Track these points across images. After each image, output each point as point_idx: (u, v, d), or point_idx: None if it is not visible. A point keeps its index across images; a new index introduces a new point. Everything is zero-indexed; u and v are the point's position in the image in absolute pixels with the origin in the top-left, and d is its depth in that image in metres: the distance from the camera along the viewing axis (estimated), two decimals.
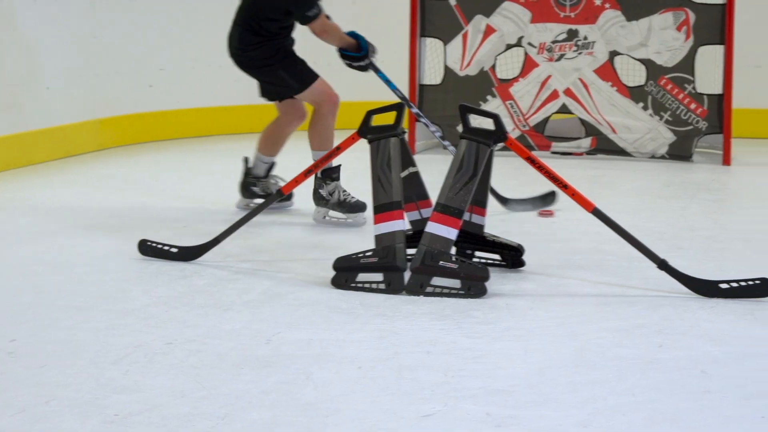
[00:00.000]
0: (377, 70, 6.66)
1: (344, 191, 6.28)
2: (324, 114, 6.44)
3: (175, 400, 3.57)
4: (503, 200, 6.41)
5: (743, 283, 4.73)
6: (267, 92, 6.61)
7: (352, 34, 6.56)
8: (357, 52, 6.58)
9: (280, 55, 6.45)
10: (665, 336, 4.26)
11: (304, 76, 6.50)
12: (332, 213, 6.30)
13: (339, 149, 5.22)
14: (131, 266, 5.30)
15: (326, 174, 6.26)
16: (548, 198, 6.37)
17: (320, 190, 6.27)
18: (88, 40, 8.79)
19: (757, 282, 4.72)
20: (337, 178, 6.29)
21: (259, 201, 6.31)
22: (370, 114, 5.10)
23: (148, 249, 5.37)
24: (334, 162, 6.17)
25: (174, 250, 5.35)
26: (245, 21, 6.43)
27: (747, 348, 4.12)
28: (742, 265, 5.28)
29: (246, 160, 6.75)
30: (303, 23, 6.37)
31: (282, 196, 5.37)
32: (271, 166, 6.74)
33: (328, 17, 6.46)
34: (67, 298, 4.77)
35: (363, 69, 6.66)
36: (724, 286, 4.73)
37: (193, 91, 9.71)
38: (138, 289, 4.92)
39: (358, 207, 6.28)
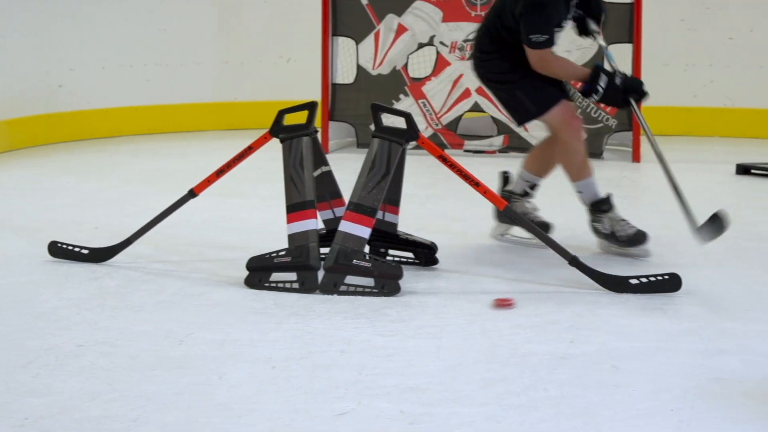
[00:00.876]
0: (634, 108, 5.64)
1: (621, 220, 5.55)
2: (565, 141, 5.55)
3: (85, 402, 3.54)
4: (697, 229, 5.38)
5: (653, 279, 4.79)
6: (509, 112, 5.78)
7: (597, 66, 5.51)
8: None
9: (519, 72, 5.52)
10: (576, 332, 4.31)
11: (542, 98, 5.51)
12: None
13: (251, 149, 5.19)
14: (41, 268, 5.23)
15: (596, 208, 5.55)
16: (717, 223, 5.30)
17: (596, 224, 5.56)
18: None
19: (666, 277, 4.78)
20: (608, 210, 5.54)
21: (518, 232, 5.69)
22: (282, 113, 5.09)
23: (58, 250, 5.31)
24: (600, 192, 5.57)
25: (85, 251, 5.30)
26: (488, 24, 5.63)
27: (657, 343, 4.17)
28: (651, 261, 5.35)
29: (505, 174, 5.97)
30: (528, 45, 5.39)
31: (194, 196, 5.32)
32: (533, 186, 5.82)
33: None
34: None
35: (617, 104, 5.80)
36: (634, 281, 4.79)
37: (104, 92, 9.62)
38: (48, 291, 4.87)
39: (637, 239, 5.49)
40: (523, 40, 5.38)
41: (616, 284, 4.80)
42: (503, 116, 8.67)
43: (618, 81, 5.38)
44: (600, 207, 5.53)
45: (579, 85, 5.49)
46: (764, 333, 4.32)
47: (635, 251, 5.48)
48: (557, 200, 6.16)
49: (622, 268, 5.02)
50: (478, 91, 8.74)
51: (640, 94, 5.50)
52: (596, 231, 5.57)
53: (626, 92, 5.41)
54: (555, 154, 5.67)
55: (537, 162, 5.81)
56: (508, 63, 5.53)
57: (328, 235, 5.04)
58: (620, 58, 8.37)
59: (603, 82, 5.35)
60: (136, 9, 9.80)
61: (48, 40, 9.17)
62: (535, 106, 5.51)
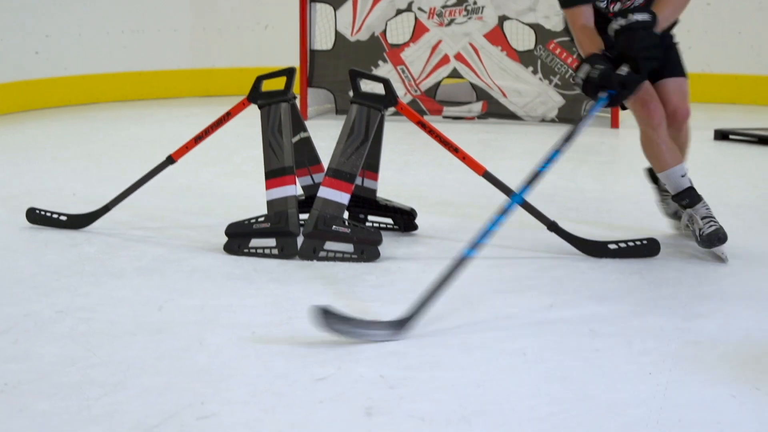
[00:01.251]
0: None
1: (704, 218, 4.91)
2: (643, 132, 5.01)
3: (65, 368, 3.54)
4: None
5: (631, 244, 4.81)
6: None
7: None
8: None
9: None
10: (555, 296, 4.32)
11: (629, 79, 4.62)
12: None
13: (229, 115, 5.18)
14: (19, 235, 5.22)
15: (678, 200, 5.00)
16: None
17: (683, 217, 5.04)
18: None
19: (645, 242, 4.80)
20: (690, 204, 4.95)
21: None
22: (260, 79, 5.08)
23: (36, 217, 5.30)
24: (685, 182, 4.99)
25: (63, 218, 5.29)
26: None
27: (634, 307, 4.19)
28: (630, 226, 5.37)
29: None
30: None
31: (172, 163, 5.31)
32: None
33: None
34: None
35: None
36: (612, 246, 4.81)
37: (81, 58, 9.57)
38: (27, 257, 4.86)
39: (715, 237, 4.81)
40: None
41: (595, 249, 4.82)
42: (482, 82, 8.67)
43: (595, 75, 4.59)
44: (680, 202, 4.98)
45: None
46: (741, 297, 4.34)
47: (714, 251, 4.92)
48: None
49: (601, 233, 5.03)
50: (457, 57, 8.73)
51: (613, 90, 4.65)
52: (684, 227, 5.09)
53: (599, 87, 4.62)
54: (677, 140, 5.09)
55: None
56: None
57: (307, 201, 5.05)
58: None
59: (583, 72, 4.65)
60: None
61: (23, 5, 9.11)
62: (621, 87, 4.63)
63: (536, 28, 8.56)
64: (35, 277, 4.56)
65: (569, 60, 8.50)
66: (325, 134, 6.17)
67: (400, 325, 3.87)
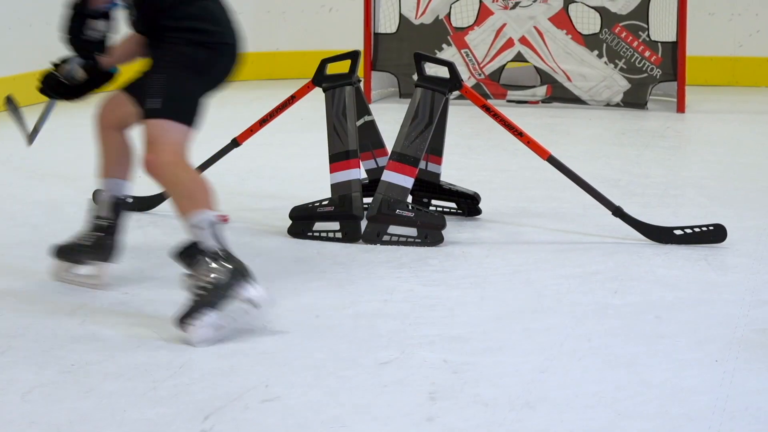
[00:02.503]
0: None
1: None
2: None
3: (131, 349, 3.57)
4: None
5: (697, 230, 4.77)
6: None
7: None
8: None
9: None
10: (620, 282, 4.30)
11: None
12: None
13: (293, 98, 5.20)
14: (85, 214, 5.27)
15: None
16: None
17: None
18: None
19: (711, 228, 4.76)
20: None
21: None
22: (324, 62, 5.09)
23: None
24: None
25: (129, 200, 5.31)
26: None
27: (700, 294, 4.16)
28: (696, 212, 5.33)
29: None
30: None
31: (237, 146, 5.33)
32: None
33: None
34: (23, 248, 4.75)
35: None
36: (678, 232, 4.78)
37: None
38: None
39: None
40: None
41: (661, 235, 4.79)
42: (546, 66, 8.63)
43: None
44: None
45: None
46: None
47: None
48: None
49: (667, 219, 4.99)
50: (521, 40, 8.69)
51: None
52: None
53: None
54: None
55: None
56: None
57: (371, 184, 5.05)
58: (667, 6, 8.33)
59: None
60: None
61: None
62: None
63: (602, 11, 8.50)
64: None
65: (635, 44, 8.44)
66: (389, 118, 6.17)
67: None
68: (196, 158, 5.34)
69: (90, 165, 6.41)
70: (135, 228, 5.03)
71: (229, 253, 3.71)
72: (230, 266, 3.67)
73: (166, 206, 5.28)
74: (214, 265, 3.67)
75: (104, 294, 4.11)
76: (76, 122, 7.92)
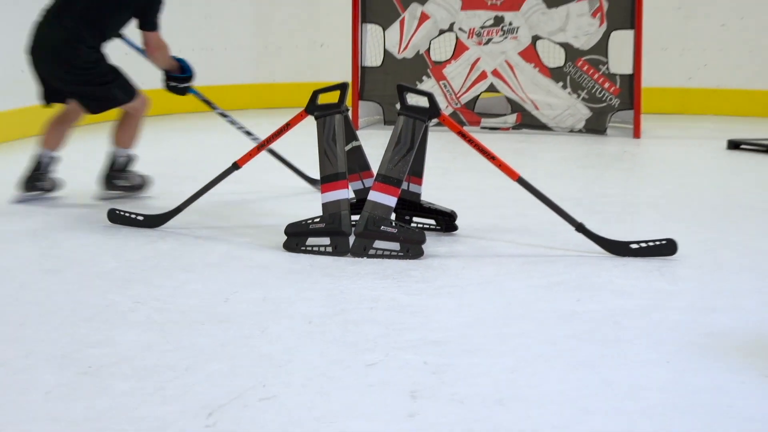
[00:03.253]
0: (196, 93, 6.44)
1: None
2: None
3: (142, 353, 3.57)
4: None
5: (651, 244, 4.78)
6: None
7: (177, 59, 6.25)
8: (181, 74, 6.28)
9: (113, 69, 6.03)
10: (582, 291, 4.31)
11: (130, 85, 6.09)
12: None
13: (288, 126, 5.20)
14: (101, 233, 5.26)
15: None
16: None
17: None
18: None
19: (663, 242, 4.78)
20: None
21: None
22: (316, 93, 5.09)
23: (116, 217, 5.34)
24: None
25: (140, 217, 5.33)
26: (78, 25, 5.83)
27: (654, 301, 4.17)
28: (650, 228, 5.34)
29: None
30: (149, 28, 5.98)
31: (237, 168, 5.33)
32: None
33: None
34: (43, 262, 4.74)
35: (182, 92, 6.37)
36: (634, 246, 4.79)
37: (158, 74, 9.60)
38: (108, 253, 4.90)
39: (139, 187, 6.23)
40: (146, 26, 5.96)
41: (618, 248, 4.80)
42: (516, 96, 8.65)
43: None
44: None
45: None
46: (753, 292, 4.31)
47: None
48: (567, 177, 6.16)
49: (624, 234, 5.01)
50: (494, 73, 8.72)
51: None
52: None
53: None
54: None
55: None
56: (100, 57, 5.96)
57: (358, 203, 5.05)
58: (624, 42, 8.37)
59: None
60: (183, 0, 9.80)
61: None
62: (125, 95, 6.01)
63: (566, 46, 8.53)
64: (115, 270, 4.60)
65: (596, 76, 8.47)
66: (375, 143, 6.18)
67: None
68: (201, 180, 5.36)
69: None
70: (146, 243, 5.04)
71: None
72: None
73: (172, 223, 5.28)
74: None
75: (117, 302, 4.11)
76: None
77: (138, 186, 6.11)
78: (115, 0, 5.90)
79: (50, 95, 5.97)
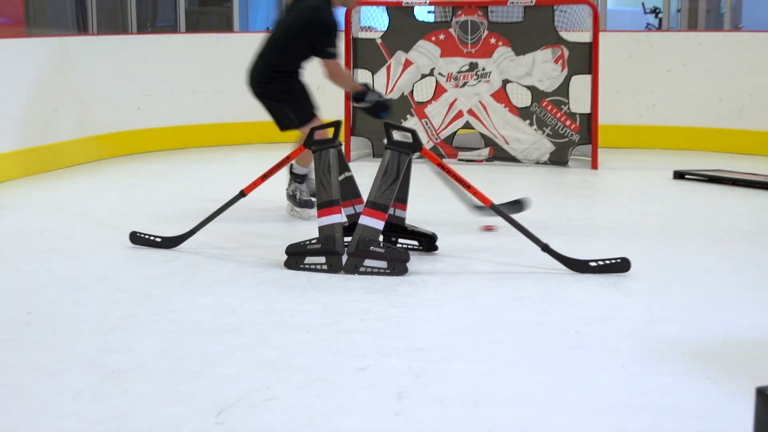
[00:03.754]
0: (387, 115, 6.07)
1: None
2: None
3: (159, 359, 3.56)
4: (477, 207, 5.34)
5: (608, 262, 4.79)
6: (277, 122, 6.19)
7: (363, 84, 6.17)
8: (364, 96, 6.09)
9: (289, 92, 6.07)
10: (547, 303, 4.31)
11: (307, 113, 6.05)
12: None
13: (289, 158, 5.20)
14: (123, 252, 5.25)
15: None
16: (518, 205, 5.44)
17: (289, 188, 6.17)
18: (89, 73, 8.70)
19: (618, 260, 4.78)
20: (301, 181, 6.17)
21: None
22: (313, 130, 5.10)
23: (137, 239, 5.33)
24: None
25: (158, 239, 5.31)
26: (267, 55, 6.05)
27: (610, 312, 4.17)
28: (607, 248, 5.34)
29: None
30: (323, 57, 5.95)
31: (244, 196, 5.32)
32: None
33: None
34: (73, 278, 4.72)
35: (372, 114, 6.14)
36: (593, 264, 4.79)
37: (173, 113, 9.62)
38: (129, 270, 4.88)
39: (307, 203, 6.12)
40: (322, 55, 5.95)
41: (579, 266, 4.80)
42: (489, 132, 8.67)
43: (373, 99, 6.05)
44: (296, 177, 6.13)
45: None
46: (697, 303, 4.32)
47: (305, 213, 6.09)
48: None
49: (584, 253, 5.01)
50: (469, 112, 8.72)
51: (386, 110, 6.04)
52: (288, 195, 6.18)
53: (380, 109, 6.01)
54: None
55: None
56: (284, 85, 6.05)
57: (350, 226, 5.05)
58: (583, 86, 8.39)
59: (370, 97, 6.04)
60: (196, 48, 9.80)
61: (130, 73, 9.18)
62: (299, 120, 6.01)
63: (532, 89, 8.54)
64: (135, 286, 4.58)
65: (558, 115, 8.47)
66: (365, 173, 6.15)
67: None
68: (211, 205, 5.34)
69: (125, 212, 6.40)
70: (163, 261, 5.02)
71: None
72: None
73: (186, 244, 5.27)
74: None
75: (137, 314, 4.09)
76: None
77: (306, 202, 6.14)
78: (290, 32, 5.97)
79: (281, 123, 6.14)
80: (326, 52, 5.94)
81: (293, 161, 5.91)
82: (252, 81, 6.10)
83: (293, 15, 6.05)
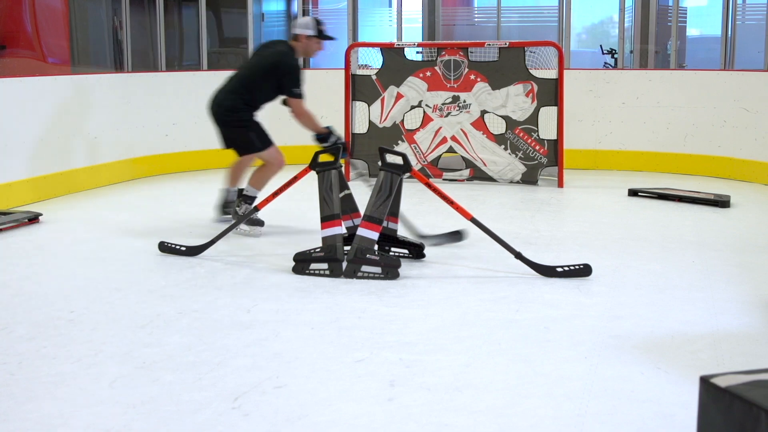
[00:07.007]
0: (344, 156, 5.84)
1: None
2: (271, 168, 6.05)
3: (184, 351, 3.55)
4: (422, 236, 5.44)
5: (572, 267, 4.79)
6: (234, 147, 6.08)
7: (326, 126, 5.97)
8: (326, 138, 5.90)
9: (253, 122, 6.00)
10: (520, 304, 4.31)
11: (267, 140, 6.02)
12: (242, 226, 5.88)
13: (296, 178, 5.20)
14: (153, 259, 5.24)
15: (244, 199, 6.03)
16: (457, 235, 5.54)
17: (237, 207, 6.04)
18: (124, 105, 8.70)
19: (581, 266, 4.79)
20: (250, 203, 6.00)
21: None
22: (317, 154, 5.11)
23: (165, 248, 5.33)
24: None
25: (183, 248, 5.31)
26: (238, 90, 5.94)
27: (574, 311, 4.18)
28: (571, 256, 5.35)
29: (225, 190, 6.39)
30: (290, 95, 5.84)
31: (257, 211, 5.32)
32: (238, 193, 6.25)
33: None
34: (109, 281, 4.71)
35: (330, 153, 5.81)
36: (559, 269, 4.80)
37: (196, 138, 9.62)
38: (158, 275, 4.87)
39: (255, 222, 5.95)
40: (289, 93, 5.84)
41: (547, 271, 4.81)
42: (470, 156, 8.67)
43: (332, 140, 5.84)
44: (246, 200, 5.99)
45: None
46: (648, 304, 4.32)
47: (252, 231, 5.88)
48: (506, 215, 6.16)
49: (551, 260, 5.01)
50: (452, 138, 8.73)
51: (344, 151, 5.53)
52: (235, 212, 6.02)
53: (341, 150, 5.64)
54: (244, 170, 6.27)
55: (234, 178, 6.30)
56: (249, 115, 5.98)
57: (350, 237, 5.05)
58: (549, 116, 8.41)
59: (331, 139, 5.87)
60: (216, 83, 9.82)
61: (159, 105, 9.19)
62: (261, 144, 5.97)
63: (506, 118, 8.55)
64: (163, 288, 4.58)
65: (529, 141, 8.49)
66: (362, 191, 6.16)
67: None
68: (229, 219, 5.33)
69: (155, 225, 6.39)
70: (187, 267, 5.01)
71: None
72: None
73: (208, 252, 5.26)
74: None
75: (165, 313, 4.09)
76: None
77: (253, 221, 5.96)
78: (259, 72, 5.90)
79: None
80: (292, 92, 5.86)
81: (248, 184, 6.03)
82: (220, 110, 5.98)
83: (259, 59, 6.01)
